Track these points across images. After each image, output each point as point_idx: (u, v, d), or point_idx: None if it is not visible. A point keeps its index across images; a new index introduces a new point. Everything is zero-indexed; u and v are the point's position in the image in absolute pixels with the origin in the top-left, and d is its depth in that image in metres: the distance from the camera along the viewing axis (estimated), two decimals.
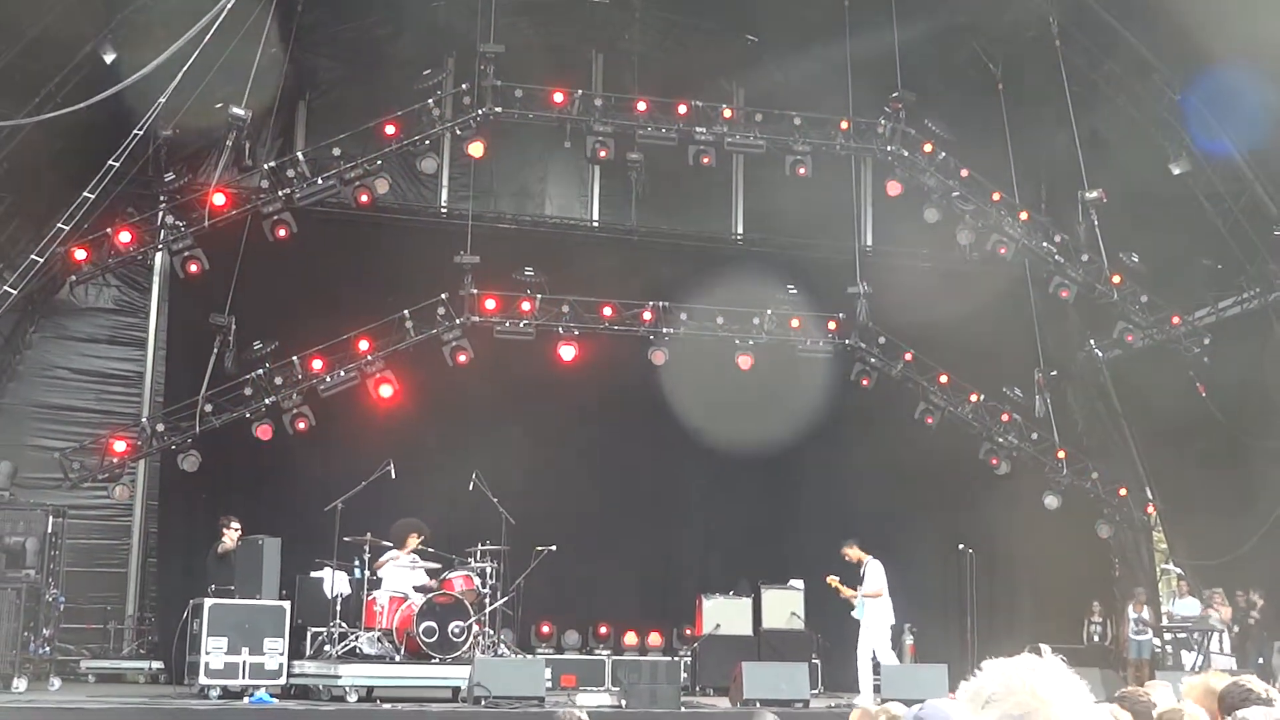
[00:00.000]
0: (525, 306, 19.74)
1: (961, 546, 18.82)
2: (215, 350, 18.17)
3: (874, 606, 16.89)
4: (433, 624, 15.31)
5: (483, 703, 14.14)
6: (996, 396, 21.35)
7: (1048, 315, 21.82)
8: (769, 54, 22.13)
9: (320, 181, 18.65)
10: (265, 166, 18.85)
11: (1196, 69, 19.08)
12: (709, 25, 21.96)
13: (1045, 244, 20.82)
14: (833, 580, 16.94)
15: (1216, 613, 19.28)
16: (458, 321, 19.27)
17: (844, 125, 20.21)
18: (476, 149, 19.18)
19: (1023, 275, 21.02)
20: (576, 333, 20.05)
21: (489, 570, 16.24)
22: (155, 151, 18.54)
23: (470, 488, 16.66)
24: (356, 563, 15.99)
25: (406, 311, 19.05)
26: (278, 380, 18.55)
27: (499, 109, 19.07)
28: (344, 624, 15.63)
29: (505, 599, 16.48)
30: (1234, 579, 20.66)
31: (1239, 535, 20.76)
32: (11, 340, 19.43)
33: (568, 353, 19.98)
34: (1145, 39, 19.82)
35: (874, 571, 16.95)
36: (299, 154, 19.22)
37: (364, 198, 18.98)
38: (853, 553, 17.16)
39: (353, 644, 15.53)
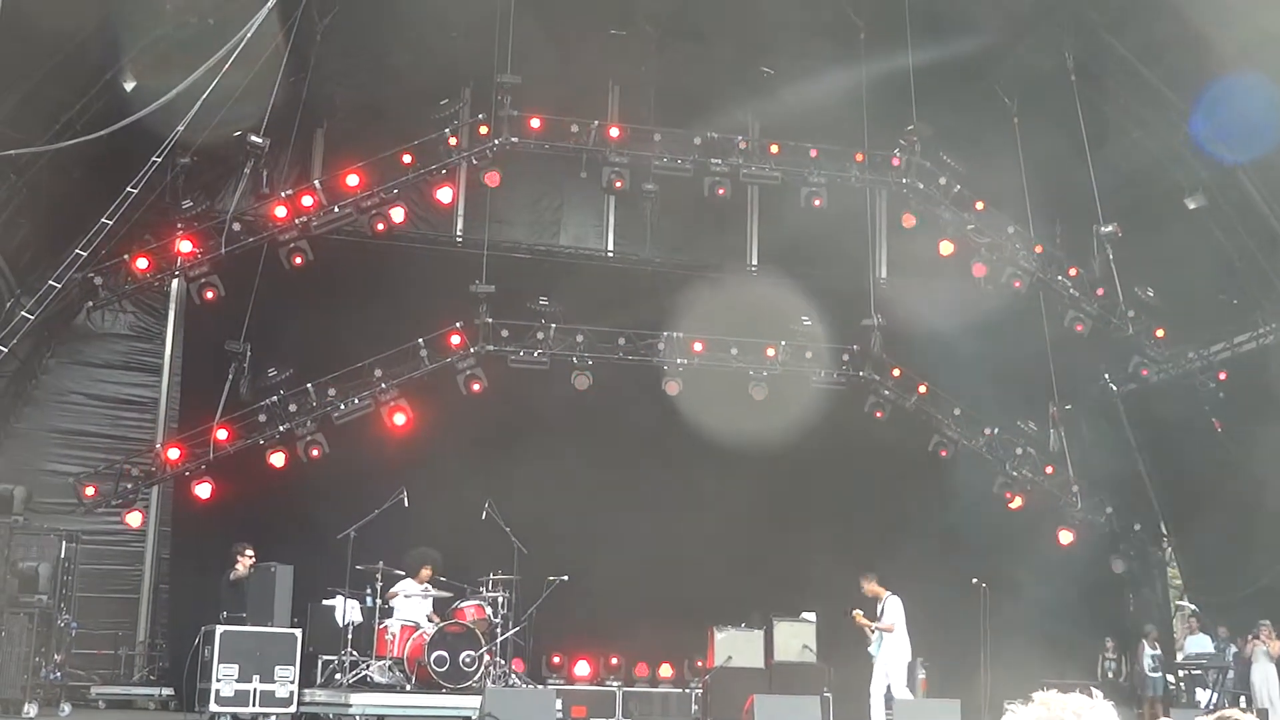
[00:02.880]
0: (540, 336, 19.79)
1: (975, 580, 18.72)
2: (230, 377, 18.23)
3: (890, 642, 16.74)
4: (444, 653, 15.25)
5: None
6: (1011, 430, 21.31)
7: (1062, 349, 21.76)
8: (784, 86, 22.17)
9: (337, 209, 18.75)
10: (282, 194, 18.94)
11: (1211, 99, 19.07)
12: (725, 57, 22.02)
13: (1060, 277, 20.81)
14: (857, 615, 16.80)
15: (1264, 645, 19.11)
16: (472, 350, 19.32)
17: (859, 157, 20.26)
18: (492, 178, 19.28)
19: (1037, 308, 20.99)
20: (591, 362, 20.08)
21: (500, 600, 16.19)
22: (173, 179, 18.64)
23: (483, 517, 16.62)
24: (368, 591, 15.96)
25: (421, 340, 19.10)
26: (292, 407, 18.60)
27: (515, 139, 19.18)
28: (355, 652, 15.59)
29: (517, 629, 16.42)
30: (1248, 615, 20.51)
31: (1253, 571, 20.64)
32: (28, 365, 19.50)
33: (582, 382, 20.00)
34: (1161, 73, 19.83)
35: (892, 607, 16.81)
36: (316, 182, 19.32)
37: (380, 226, 19.08)
38: (871, 587, 16.94)
39: (364, 672, 15.47)
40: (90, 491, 18.21)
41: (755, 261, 23.47)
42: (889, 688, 16.72)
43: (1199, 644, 20.08)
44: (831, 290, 21.81)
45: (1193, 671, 19.51)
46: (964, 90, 21.62)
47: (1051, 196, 21.85)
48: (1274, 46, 17.14)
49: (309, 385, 18.70)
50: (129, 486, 18.48)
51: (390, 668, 15.65)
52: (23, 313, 15.68)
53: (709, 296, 21.56)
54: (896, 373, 21.02)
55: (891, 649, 16.74)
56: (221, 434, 18.26)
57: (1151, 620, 22.28)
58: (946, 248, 20.58)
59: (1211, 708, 16.91)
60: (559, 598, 16.71)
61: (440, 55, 20.48)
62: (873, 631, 16.75)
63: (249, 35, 13.99)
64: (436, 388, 19.43)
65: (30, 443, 19.58)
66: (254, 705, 14.40)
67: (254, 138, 17.72)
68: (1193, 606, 21.48)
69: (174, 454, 18.58)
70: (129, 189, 15.20)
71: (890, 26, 19.45)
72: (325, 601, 16.37)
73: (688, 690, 18.22)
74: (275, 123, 18.12)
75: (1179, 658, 20.60)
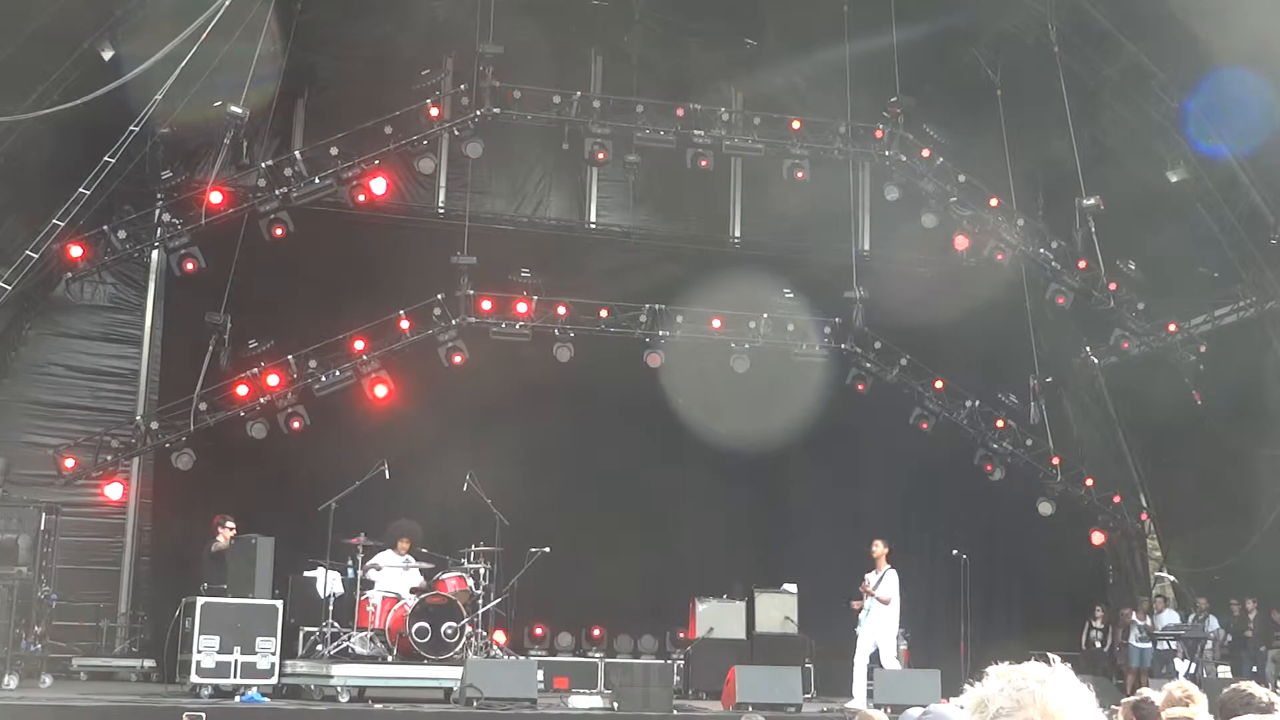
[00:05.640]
0: (522, 308, 19.75)
1: (955, 552, 18.80)
2: (211, 348, 18.13)
3: (884, 613, 16.92)
4: (425, 624, 15.29)
5: (474, 704, 14.13)
6: (992, 402, 21.35)
7: (1044, 322, 21.81)
8: (768, 58, 22.11)
9: (318, 180, 18.65)
10: (262, 165, 18.83)
11: (1195, 75, 19.08)
12: (709, 28, 21.94)
13: (1042, 250, 20.83)
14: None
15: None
16: (454, 322, 19.27)
17: (842, 130, 20.22)
18: (474, 149, 19.19)
19: (1019, 281, 20.99)
20: (573, 334, 20.04)
21: (482, 571, 16.22)
22: (152, 149, 18.50)
23: (464, 489, 16.63)
24: (350, 563, 15.97)
25: (402, 311, 19.05)
26: (273, 379, 18.52)
27: (497, 109, 19.08)
28: (336, 624, 15.61)
29: (498, 600, 16.45)
30: (1228, 587, 20.66)
31: (1233, 543, 20.76)
32: (6, 337, 19.38)
33: (564, 354, 19.96)
34: (1144, 45, 19.82)
35: (892, 580, 17.01)
36: (296, 153, 19.22)
37: (361, 197, 19.00)
38: (880, 552, 17.15)
39: (345, 644, 15.50)
40: (70, 463, 18.13)
41: (738, 234, 23.41)
42: (873, 656, 16.85)
43: (1166, 618, 20.28)
44: (814, 263, 21.79)
45: (1170, 644, 19.63)
46: (947, 62, 21.58)
47: (1034, 169, 21.86)
48: (1259, 20, 17.11)
49: (290, 357, 18.61)
50: (109, 458, 18.41)
51: (372, 639, 15.68)
52: (0, 283, 15.57)
53: (691, 269, 21.54)
54: (878, 345, 21.02)
55: (884, 619, 16.91)
56: (202, 406, 18.18)
57: (1130, 591, 22.41)
58: (929, 220, 20.58)
59: (1189, 679, 17.01)
60: (541, 569, 16.76)
61: (422, 25, 20.35)
62: (864, 595, 16.87)
63: (229, 3, 13.89)
64: (418, 360, 19.37)
65: (9, 414, 19.47)
66: (235, 677, 14.42)
67: (233, 108, 17.55)
68: (1170, 578, 21.61)
69: (154, 426, 18.51)
70: (107, 159, 15.11)
71: None
72: (306, 573, 16.37)
73: (669, 661, 18.26)
74: (256, 93, 17.98)
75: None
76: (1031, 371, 21.07)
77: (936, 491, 22.09)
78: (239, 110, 17.60)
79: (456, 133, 19.39)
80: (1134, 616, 21.07)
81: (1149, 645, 20.46)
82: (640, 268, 21.55)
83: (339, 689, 14.71)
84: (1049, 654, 2.80)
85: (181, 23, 14.40)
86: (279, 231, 18.52)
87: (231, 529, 16.09)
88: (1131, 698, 5.96)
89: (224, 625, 14.51)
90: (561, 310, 20.03)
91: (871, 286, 20.65)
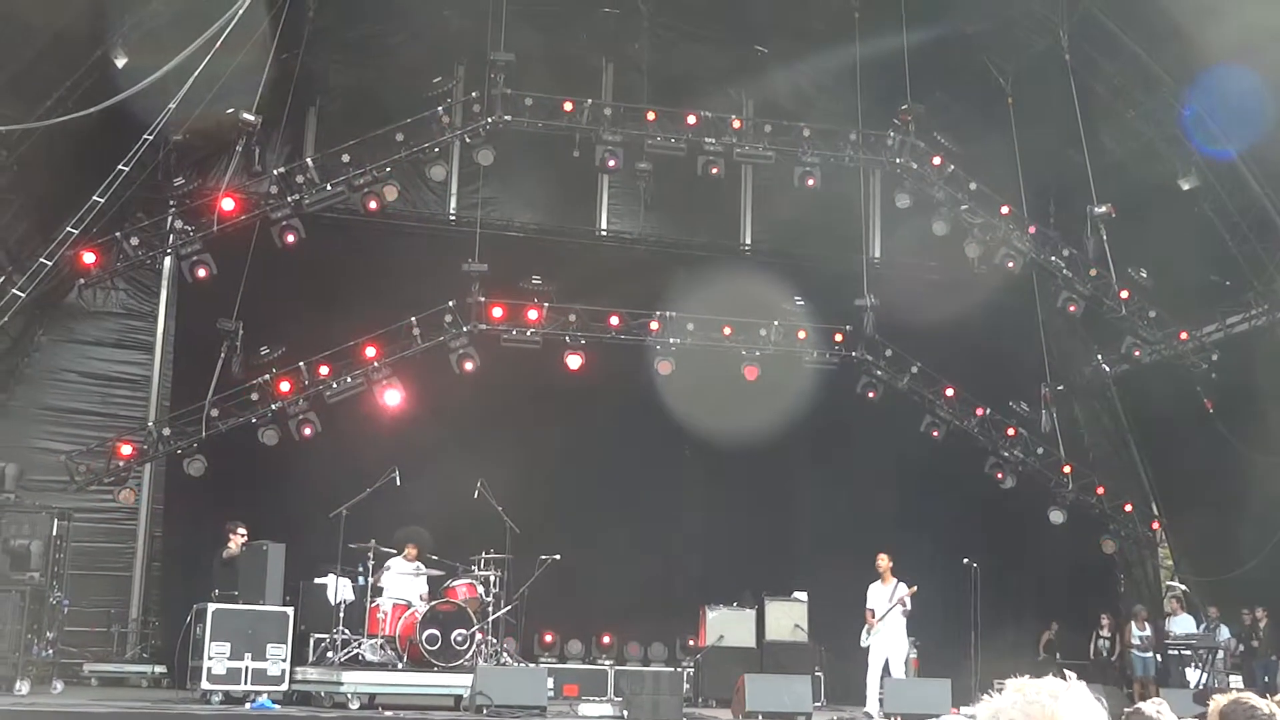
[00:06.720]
0: (532, 315, 19.77)
1: (966, 560, 18.77)
2: (222, 355, 18.20)
3: (900, 625, 16.87)
4: (436, 632, 15.28)
5: (485, 711, 14.12)
6: (1003, 410, 21.33)
7: (1055, 330, 21.79)
8: (778, 65, 22.15)
9: (329, 188, 18.72)
10: (274, 172, 18.89)
11: (1204, 81, 19.05)
12: (719, 35, 21.98)
13: (1053, 258, 20.81)
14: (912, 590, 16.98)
15: None
16: (465, 329, 19.30)
17: (853, 137, 20.24)
18: (486, 157, 19.24)
19: (1030, 289, 21.00)
20: (583, 342, 20.06)
21: (493, 578, 16.21)
22: (165, 156, 18.59)
23: (475, 496, 16.63)
24: (360, 569, 15.98)
25: (414, 319, 19.08)
26: (284, 385, 18.57)
27: (508, 117, 19.14)
28: (347, 630, 15.61)
29: (509, 607, 16.44)
30: (1239, 596, 20.58)
31: (1244, 552, 20.70)
32: (19, 343, 19.45)
33: (574, 362, 19.99)
34: (1155, 54, 19.80)
35: (905, 590, 16.96)
36: (308, 160, 19.28)
37: (373, 204, 19.09)
38: (886, 565, 17.07)
39: (355, 651, 15.50)
40: (82, 469, 18.19)
41: (749, 241, 23.44)
42: (886, 666, 16.80)
43: (1183, 624, 20.17)
44: (825, 270, 21.80)
45: (1181, 652, 19.56)
46: (958, 69, 21.59)
47: (1045, 177, 21.83)
48: (1268, 29, 17.09)
49: (301, 364, 18.67)
50: (121, 464, 18.46)
51: (382, 646, 15.68)
52: (14, 290, 15.64)
53: (702, 276, 21.53)
54: (889, 353, 21.02)
55: (900, 631, 16.85)
56: (214, 412, 18.23)
57: (1142, 600, 22.35)
58: (940, 228, 20.57)
59: (1202, 688, 16.97)
60: (551, 576, 16.72)
61: (433, 33, 20.43)
62: (886, 610, 16.81)
63: (240, 12, 13.94)
64: (429, 367, 19.42)
65: (22, 420, 19.53)
66: (246, 683, 14.43)
67: (246, 115, 17.65)
68: (1181, 587, 21.54)
69: (166, 432, 18.57)
70: (121, 167, 15.17)
71: (885, 5, 19.39)
72: (317, 580, 16.38)
73: (679, 669, 18.24)
74: (268, 100, 18.06)
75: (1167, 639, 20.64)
76: (1043, 379, 21.06)
77: (947, 499, 22.04)
78: (251, 118, 17.70)
79: (468, 140, 19.44)
80: (1133, 625, 20.99)
81: (1150, 654, 20.40)
82: (651, 275, 21.56)
83: (349, 696, 14.71)
84: (1065, 669, 2.80)
85: (194, 31, 14.45)
86: (291, 238, 18.59)
87: (243, 535, 16.10)
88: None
89: (235, 631, 14.52)
90: (572, 317, 20.07)
91: (882, 294, 20.67)
